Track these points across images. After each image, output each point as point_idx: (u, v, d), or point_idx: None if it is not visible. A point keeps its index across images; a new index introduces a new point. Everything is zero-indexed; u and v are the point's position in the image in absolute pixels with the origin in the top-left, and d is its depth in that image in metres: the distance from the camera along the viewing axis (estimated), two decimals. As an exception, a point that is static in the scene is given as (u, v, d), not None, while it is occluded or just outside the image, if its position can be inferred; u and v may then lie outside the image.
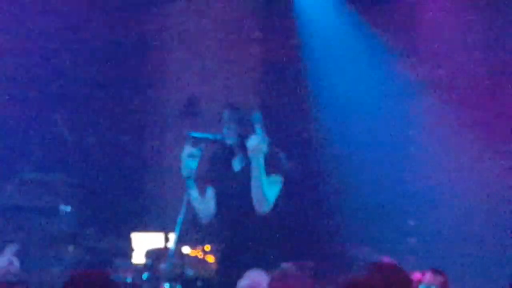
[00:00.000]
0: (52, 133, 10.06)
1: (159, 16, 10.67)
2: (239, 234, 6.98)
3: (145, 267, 8.85)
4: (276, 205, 6.86)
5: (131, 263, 9.40)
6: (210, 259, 8.62)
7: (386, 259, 6.89)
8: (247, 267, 6.19)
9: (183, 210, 7.25)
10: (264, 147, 6.65)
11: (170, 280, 8.28)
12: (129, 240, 9.56)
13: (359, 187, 9.17)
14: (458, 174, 8.94)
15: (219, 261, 7.83)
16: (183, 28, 10.46)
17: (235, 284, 6.16)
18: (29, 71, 10.28)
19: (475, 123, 8.84)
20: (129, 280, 8.65)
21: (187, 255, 8.75)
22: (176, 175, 7.84)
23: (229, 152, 6.90)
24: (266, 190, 6.54)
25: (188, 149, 7.08)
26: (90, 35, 10.40)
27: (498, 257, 8.42)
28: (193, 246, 8.79)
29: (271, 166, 6.76)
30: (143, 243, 9.47)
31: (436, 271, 6.52)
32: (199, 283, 8.46)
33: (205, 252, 8.75)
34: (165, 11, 10.70)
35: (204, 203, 7.04)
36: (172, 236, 7.76)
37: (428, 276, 6.47)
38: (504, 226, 8.68)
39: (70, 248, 9.68)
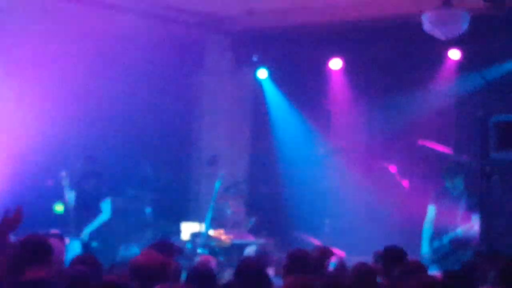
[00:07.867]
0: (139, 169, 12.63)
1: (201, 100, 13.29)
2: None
3: (188, 240, 11.30)
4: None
5: (181, 238, 11.62)
6: (224, 237, 11.26)
7: (315, 241, 10.56)
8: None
9: (209, 211, 10.97)
10: None
11: (202, 247, 10.96)
12: (180, 226, 11.91)
13: (300, 203, 12.71)
14: (349, 192, 12.42)
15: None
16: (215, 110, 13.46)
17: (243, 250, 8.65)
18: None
19: (361, 169, 12.41)
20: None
21: (211, 235, 11.28)
22: (205, 193, 11.71)
23: None
24: None
25: None
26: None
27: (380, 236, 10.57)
28: (214, 230, 11.40)
29: None
30: (188, 228, 11.74)
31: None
32: (217, 249, 11.01)
33: (220, 233, 11.32)
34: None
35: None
36: (203, 225, 11.19)
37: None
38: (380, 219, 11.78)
39: (149, 231, 12.31)
